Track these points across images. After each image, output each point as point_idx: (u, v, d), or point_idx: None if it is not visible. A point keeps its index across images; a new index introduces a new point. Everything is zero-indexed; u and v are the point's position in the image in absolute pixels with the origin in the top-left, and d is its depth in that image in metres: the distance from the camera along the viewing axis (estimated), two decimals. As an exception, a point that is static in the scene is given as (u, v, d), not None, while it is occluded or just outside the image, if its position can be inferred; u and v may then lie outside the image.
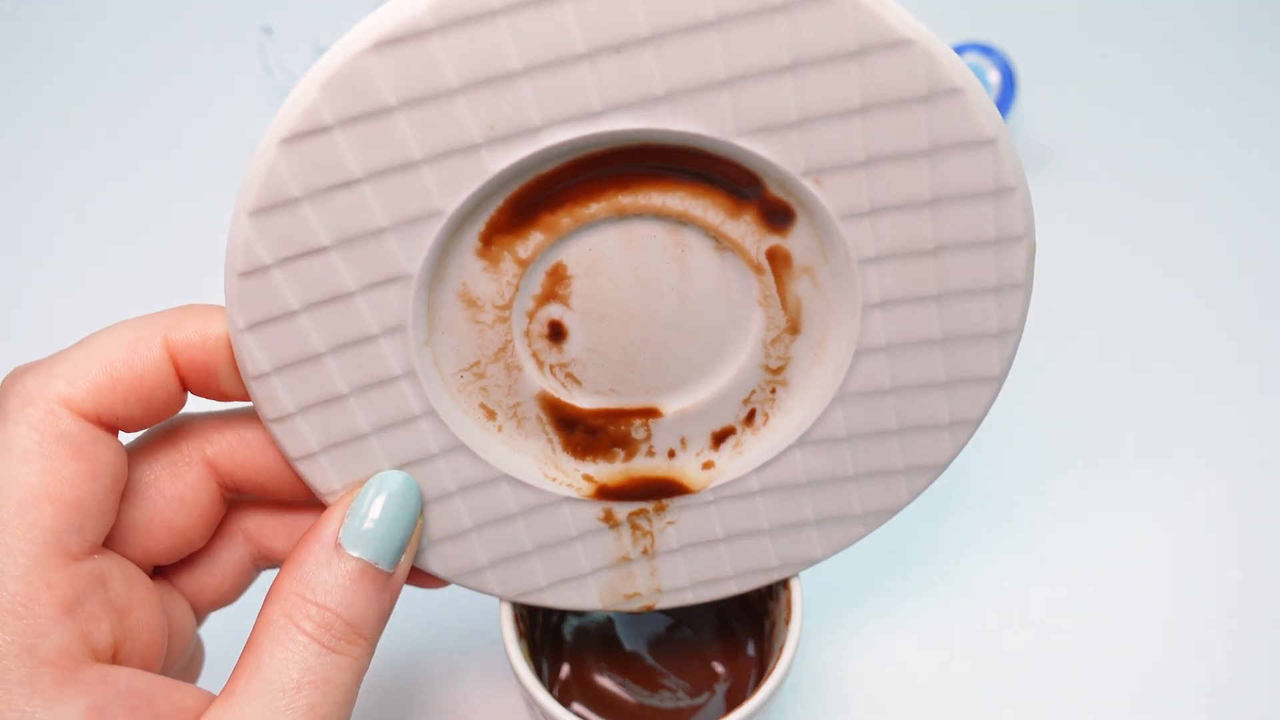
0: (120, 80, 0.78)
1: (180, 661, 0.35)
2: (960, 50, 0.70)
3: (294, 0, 0.82)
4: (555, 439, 0.36)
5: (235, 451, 0.34)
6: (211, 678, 0.38)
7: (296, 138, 0.28)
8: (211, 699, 0.30)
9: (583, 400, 0.36)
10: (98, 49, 0.80)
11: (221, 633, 0.41)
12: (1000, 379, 0.35)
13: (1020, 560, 0.53)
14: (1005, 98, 0.69)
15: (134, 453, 0.33)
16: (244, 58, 0.78)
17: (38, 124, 0.75)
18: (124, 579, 0.31)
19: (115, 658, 0.30)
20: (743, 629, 0.47)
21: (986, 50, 0.69)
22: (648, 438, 0.37)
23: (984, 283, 0.33)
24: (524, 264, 0.32)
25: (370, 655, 0.32)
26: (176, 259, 0.65)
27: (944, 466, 0.37)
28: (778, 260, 0.33)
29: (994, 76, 0.69)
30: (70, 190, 0.71)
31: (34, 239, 0.68)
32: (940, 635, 0.50)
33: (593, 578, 0.39)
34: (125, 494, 0.32)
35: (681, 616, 0.48)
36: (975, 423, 0.36)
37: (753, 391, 0.36)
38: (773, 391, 0.36)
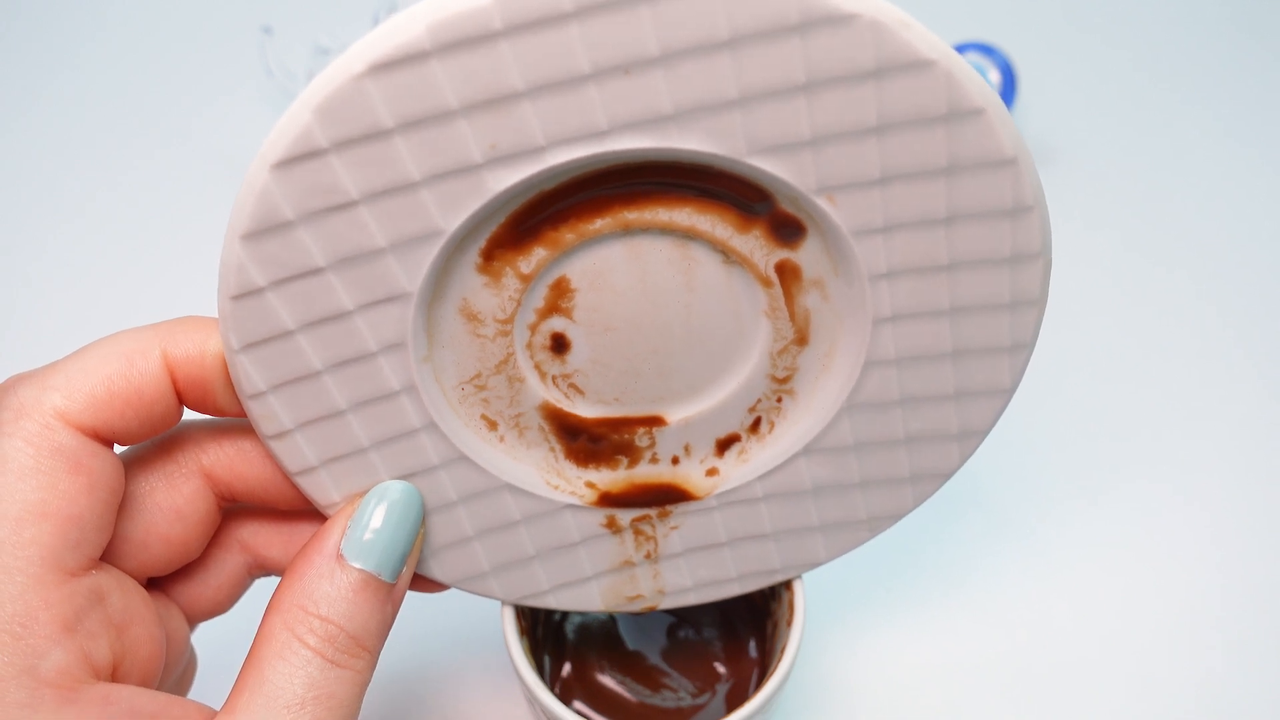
0: (120, 80, 0.78)
1: (175, 673, 0.35)
2: (960, 50, 0.69)
3: (294, 0, 0.82)
4: (558, 448, 0.36)
5: (233, 462, 0.34)
6: (204, 688, 0.38)
7: (289, 162, 0.28)
8: (212, 714, 0.30)
9: (586, 410, 0.35)
10: (97, 49, 0.80)
11: (214, 642, 0.41)
12: (1011, 391, 0.35)
13: (1023, 562, 0.53)
14: (1005, 98, 0.69)
15: (129, 464, 0.33)
16: (244, 58, 0.77)
17: (36, 124, 0.75)
18: (121, 594, 0.31)
19: (115, 675, 0.30)
20: (745, 629, 0.47)
21: (987, 50, 0.69)
22: (651, 445, 0.36)
23: (998, 299, 0.32)
24: (526, 279, 0.32)
25: (373, 667, 0.32)
26: (177, 260, 0.65)
27: (951, 474, 0.37)
28: (786, 274, 0.33)
29: (994, 76, 0.68)
30: (69, 191, 0.70)
31: (31, 240, 0.68)
32: (942, 637, 0.50)
33: (595, 581, 0.39)
34: (121, 507, 0.31)
35: (684, 616, 0.48)
36: (983, 433, 0.36)
37: (758, 400, 0.36)
38: (779, 400, 0.36)
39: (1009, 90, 0.69)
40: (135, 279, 0.65)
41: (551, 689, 0.41)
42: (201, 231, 0.62)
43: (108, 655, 0.29)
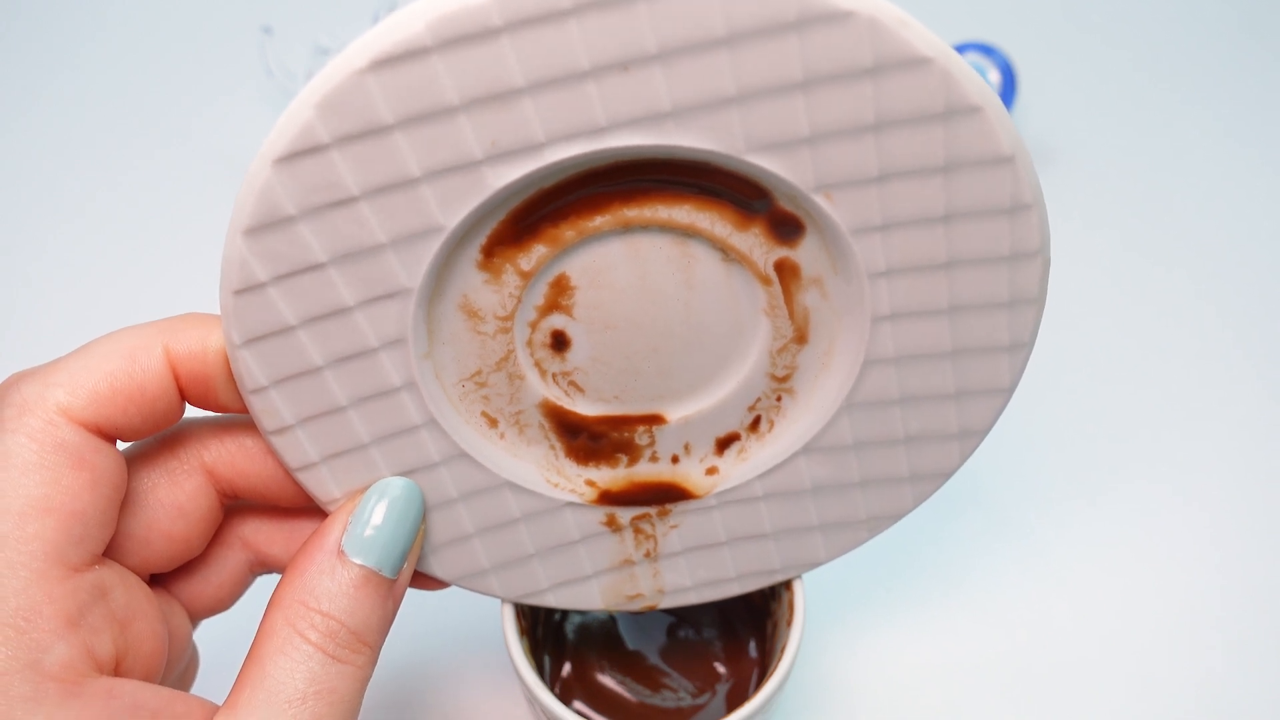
0: (120, 80, 0.78)
1: (177, 669, 0.35)
2: (960, 50, 0.69)
3: (294, 0, 0.82)
4: (558, 445, 0.36)
5: (234, 459, 0.34)
6: (206, 684, 0.38)
7: (291, 157, 0.28)
8: (215, 709, 0.30)
9: (586, 408, 0.35)
10: (97, 49, 0.80)
11: (216, 639, 0.41)
12: (1010, 391, 0.35)
13: (1022, 562, 0.53)
14: (1005, 98, 0.69)
15: (132, 460, 0.33)
16: (244, 58, 0.77)
17: (37, 125, 0.75)
18: (124, 589, 0.31)
19: (118, 669, 0.30)
20: (745, 629, 0.47)
21: (987, 50, 0.69)
22: (651, 444, 0.36)
23: (996, 297, 0.32)
24: (526, 276, 0.32)
25: (374, 663, 0.32)
26: (177, 259, 0.65)
27: (950, 474, 0.37)
28: (785, 272, 0.33)
29: (994, 76, 0.69)
30: (69, 191, 0.70)
31: (32, 240, 0.68)
32: (942, 637, 0.50)
33: (595, 579, 0.39)
34: (124, 503, 0.32)
35: (684, 616, 0.48)
36: (983, 433, 0.36)
37: (758, 399, 0.36)
38: (778, 399, 0.36)
39: (1009, 90, 0.69)
40: (135, 279, 0.65)
41: (551, 689, 0.41)
42: (201, 231, 0.62)
43: (111, 650, 0.29)
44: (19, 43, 0.81)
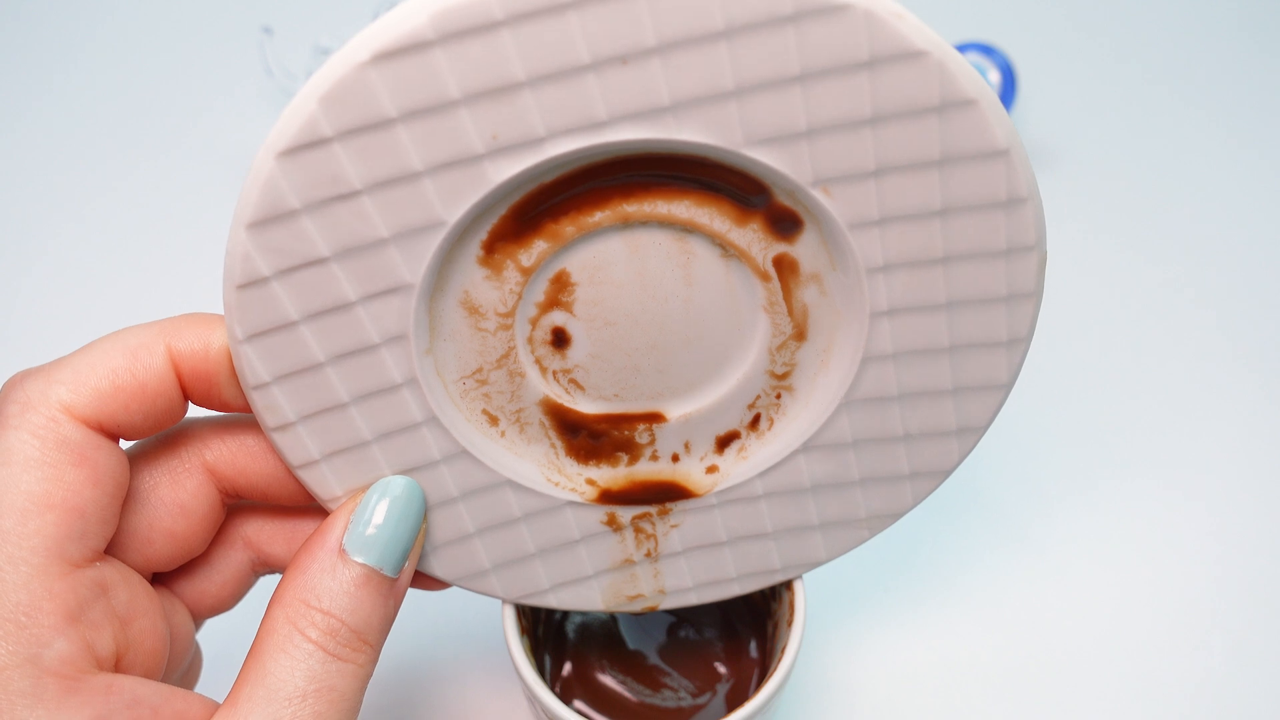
0: (120, 81, 0.78)
1: (180, 668, 0.35)
2: (961, 50, 0.69)
3: (294, 0, 0.82)
4: (558, 444, 0.36)
5: (236, 457, 0.34)
6: (207, 682, 0.38)
7: (295, 150, 0.28)
8: (215, 707, 0.30)
9: (586, 405, 0.35)
10: (97, 49, 0.80)
11: (218, 637, 0.41)
12: (1008, 386, 0.35)
13: (1022, 562, 0.53)
14: (1005, 98, 0.69)
15: (134, 459, 0.33)
16: (244, 58, 0.77)
17: (37, 125, 0.75)
18: (126, 586, 0.31)
19: (118, 666, 0.30)
20: (746, 630, 0.47)
21: (987, 50, 0.69)
22: (651, 442, 0.36)
23: (994, 292, 0.33)
24: (527, 272, 0.32)
25: (375, 662, 0.32)
26: (177, 260, 0.65)
27: (949, 472, 0.37)
28: (784, 268, 0.33)
29: (994, 76, 0.69)
30: (70, 191, 0.71)
31: (33, 241, 0.68)
32: (942, 637, 0.50)
33: (595, 579, 0.39)
34: (125, 501, 0.32)
35: (685, 616, 0.48)
36: (982, 429, 0.36)
37: (758, 396, 0.36)
38: (778, 397, 0.36)
39: (1009, 90, 0.69)
40: (136, 280, 0.65)
41: (552, 688, 0.41)
42: (202, 231, 0.62)
43: (111, 646, 0.29)
44: (19, 43, 0.81)
